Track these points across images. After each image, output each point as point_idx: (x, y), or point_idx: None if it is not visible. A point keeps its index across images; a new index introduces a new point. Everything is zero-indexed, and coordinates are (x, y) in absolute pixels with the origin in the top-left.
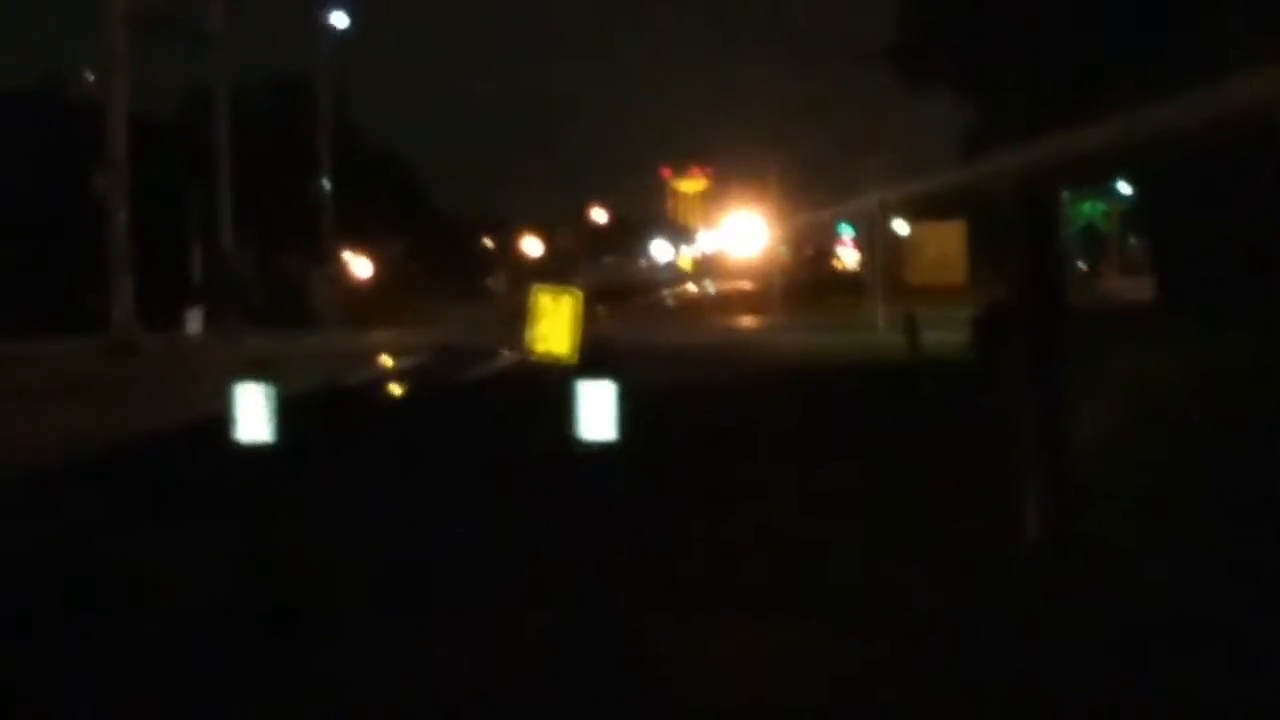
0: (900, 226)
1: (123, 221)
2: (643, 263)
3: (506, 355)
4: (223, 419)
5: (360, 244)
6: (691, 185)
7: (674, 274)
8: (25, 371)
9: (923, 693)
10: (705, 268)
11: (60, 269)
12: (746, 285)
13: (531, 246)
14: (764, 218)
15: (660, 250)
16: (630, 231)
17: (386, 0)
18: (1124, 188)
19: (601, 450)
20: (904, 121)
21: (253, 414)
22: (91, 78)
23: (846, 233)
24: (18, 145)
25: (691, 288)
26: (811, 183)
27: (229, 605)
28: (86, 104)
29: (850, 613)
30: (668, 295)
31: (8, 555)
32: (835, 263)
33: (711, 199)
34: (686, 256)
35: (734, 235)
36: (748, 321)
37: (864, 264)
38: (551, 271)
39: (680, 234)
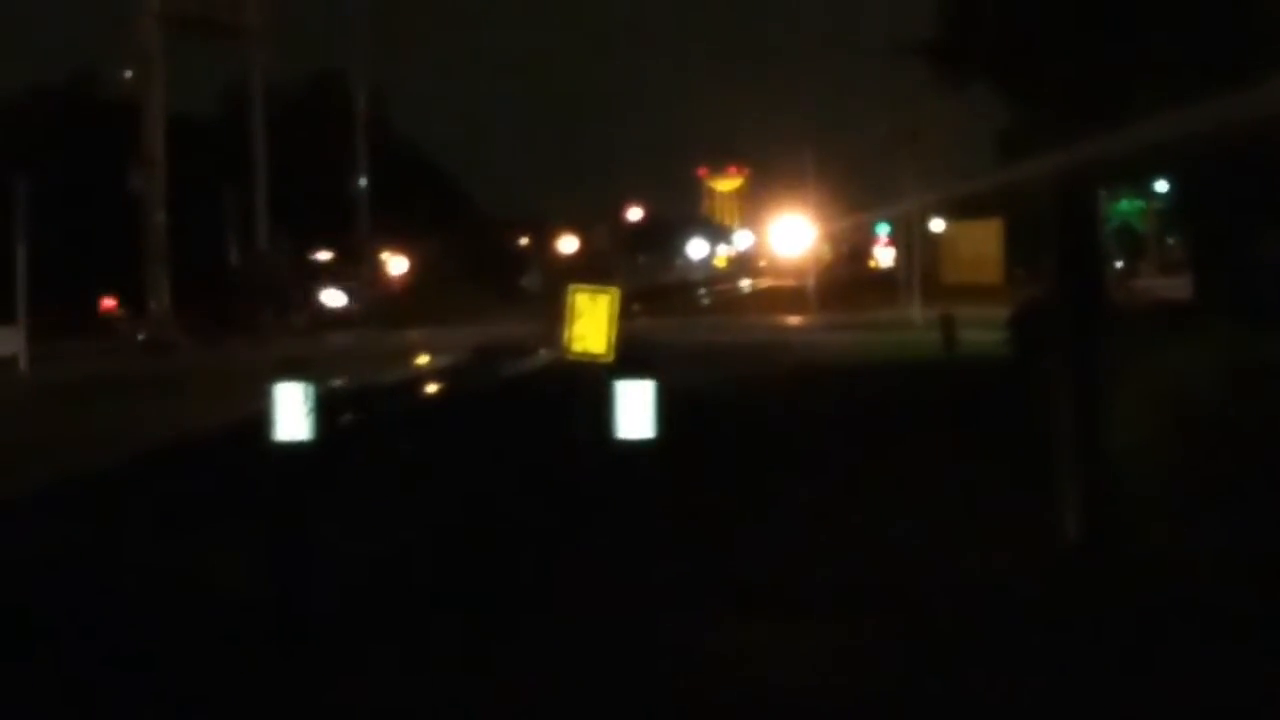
0: (936, 224)
1: (159, 220)
2: (678, 261)
3: (543, 354)
4: (260, 418)
5: (396, 242)
6: (727, 184)
7: (710, 272)
8: (61, 369)
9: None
10: (741, 266)
11: (97, 267)
12: (782, 283)
13: (567, 245)
14: (806, 217)
15: (696, 249)
16: (666, 230)
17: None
18: (1160, 185)
19: (639, 448)
20: (940, 119)
21: (290, 413)
22: (128, 75)
23: (883, 231)
24: (54, 144)
25: (730, 286)
26: (847, 181)
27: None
28: (123, 102)
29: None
30: (703, 294)
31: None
32: (871, 261)
33: (747, 197)
34: (722, 255)
35: (777, 234)
36: (784, 320)
37: (900, 262)
38: (587, 270)
39: (716, 232)
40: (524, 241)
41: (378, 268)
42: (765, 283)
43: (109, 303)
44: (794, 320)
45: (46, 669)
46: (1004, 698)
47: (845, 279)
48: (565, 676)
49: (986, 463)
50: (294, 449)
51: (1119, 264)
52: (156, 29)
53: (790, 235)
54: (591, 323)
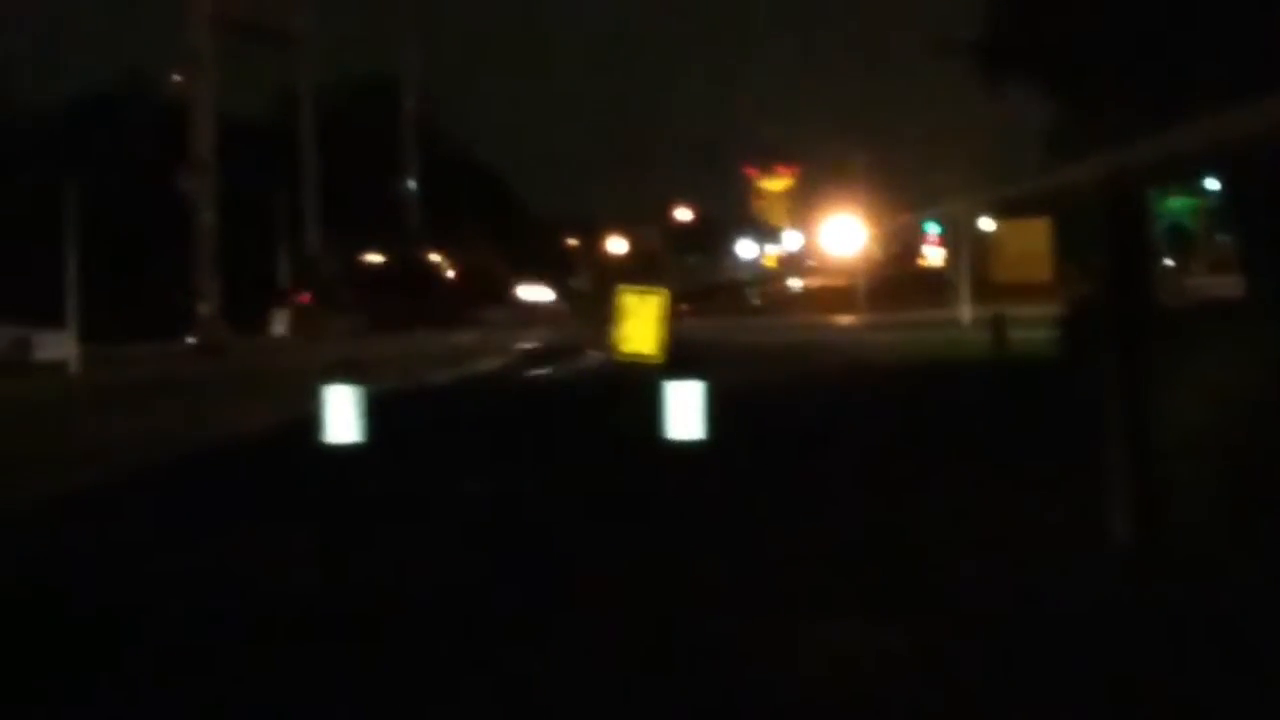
0: (985, 223)
1: (210, 222)
2: (727, 261)
3: (592, 355)
4: (311, 420)
5: (446, 244)
6: (776, 184)
7: (759, 272)
8: (112, 373)
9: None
10: (790, 266)
11: (147, 270)
12: (832, 283)
13: (616, 246)
14: (856, 217)
15: (745, 249)
16: (715, 230)
17: (471, 5)
18: (1211, 183)
19: (689, 449)
20: (986, 117)
21: (341, 415)
22: (178, 79)
23: (932, 230)
24: (104, 147)
25: (779, 285)
26: (896, 180)
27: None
28: (173, 105)
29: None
30: (752, 294)
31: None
32: (920, 260)
33: (796, 197)
34: (771, 255)
35: (828, 234)
36: (833, 320)
37: (949, 261)
38: (637, 271)
39: (765, 232)
40: (573, 242)
41: (428, 269)
42: (815, 282)
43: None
44: (843, 320)
45: (117, 668)
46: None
47: (895, 278)
48: (603, 677)
49: (1036, 463)
50: (344, 450)
51: (1169, 262)
52: (207, 33)
53: (841, 235)
54: (641, 323)
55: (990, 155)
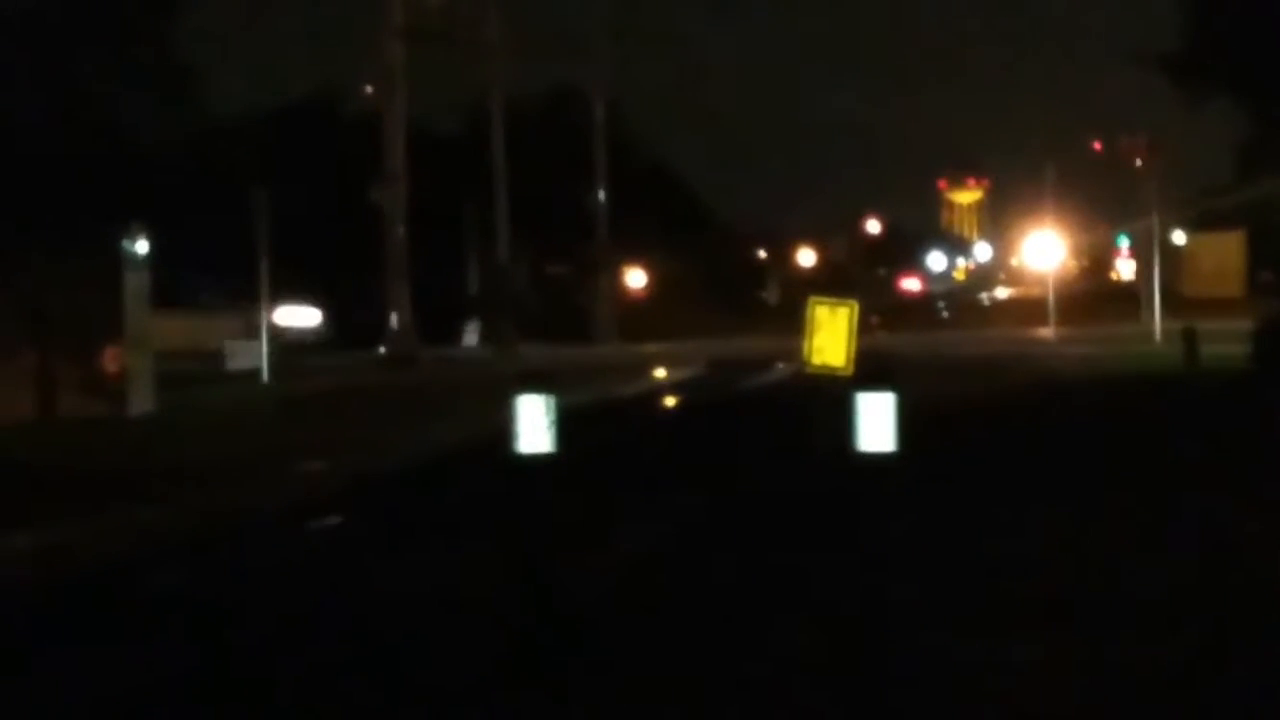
0: (1177, 236)
1: (401, 234)
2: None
3: (781, 368)
4: (503, 431)
5: (634, 256)
6: (967, 196)
7: (949, 285)
8: (302, 383)
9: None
10: (980, 279)
11: (337, 282)
12: (1021, 296)
13: (805, 258)
14: (1052, 231)
15: (935, 261)
16: (905, 242)
17: (661, 13)
18: None
19: (881, 461)
20: (1180, 131)
21: (533, 425)
22: (369, 91)
23: (1124, 243)
24: (295, 158)
25: (969, 298)
26: (1087, 192)
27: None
28: (364, 117)
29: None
30: (943, 306)
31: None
32: (1112, 274)
33: (986, 210)
34: (961, 267)
35: (1026, 248)
36: (1023, 333)
37: (1140, 275)
38: (828, 284)
39: (955, 245)
40: (762, 255)
41: (616, 281)
42: (1005, 295)
43: None
44: (1034, 333)
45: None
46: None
47: (1086, 292)
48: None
49: (1226, 475)
50: (536, 461)
51: None
52: (399, 45)
53: (1038, 248)
54: (831, 335)
55: (1185, 169)
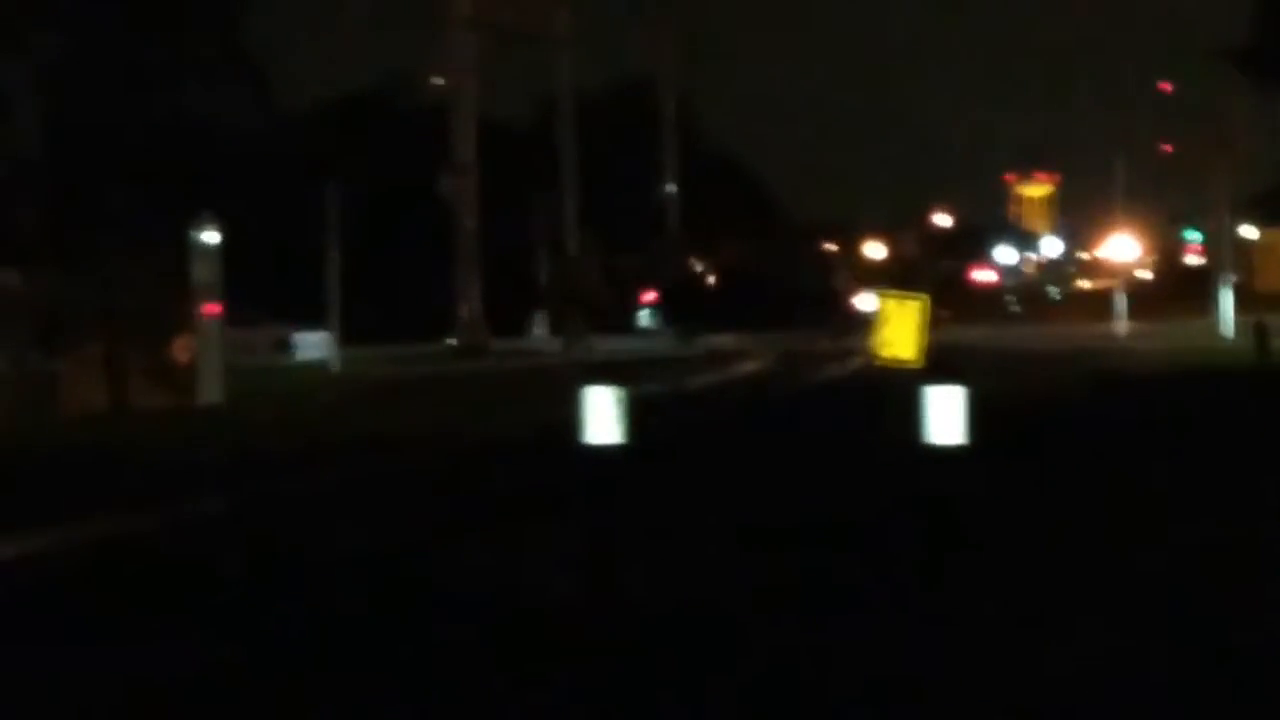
0: (1248, 231)
1: (470, 225)
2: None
3: (850, 360)
4: (571, 421)
5: (703, 248)
6: (1036, 190)
7: (1018, 279)
8: (374, 373)
9: None
10: (1049, 273)
11: (406, 272)
12: (1092, 289)
13: (874, 251)
14: (1132, 229)
15: (1004, 255)
16: (974, 236)
17: (730, 7)
18: None
19: (950, 453)
20: (1252, 124)
21: (602, 417)
22: (439, 82)
23: (1194, 238)
24: (363, 149)
25: (1039, 292)
26: (1157, 186)
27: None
28: (432, 107)
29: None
30: (1012, 300)
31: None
32: (1181, 268)
33: (1055, 203)
34: (1030, 261)
35: (1101, 243)
36: (1093, 327)
37: (1210, 270)
38: (898, 277)
39: (1024, 239)
40: (832, 247)
41: (688, 272)
42: (1074, 289)
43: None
44: (1103, 327)
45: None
46: None
47: (1156, 286)
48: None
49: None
50: (605, 452)
51: None
52: (469, 37)
53: (1116, 245)
54: (900, 328)
55: (1257, 163)
